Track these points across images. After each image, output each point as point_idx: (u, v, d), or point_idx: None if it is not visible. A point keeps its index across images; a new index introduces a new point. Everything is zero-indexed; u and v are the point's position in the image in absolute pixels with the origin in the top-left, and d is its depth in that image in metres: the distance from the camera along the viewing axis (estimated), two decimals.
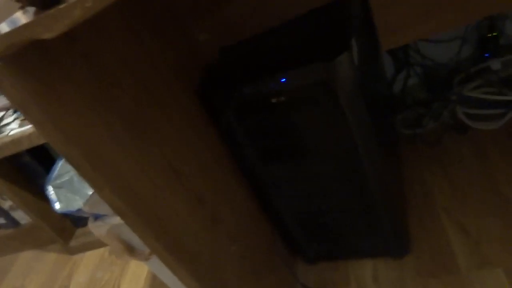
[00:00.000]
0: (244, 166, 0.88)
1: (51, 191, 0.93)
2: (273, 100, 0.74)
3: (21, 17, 0.44)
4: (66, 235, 1.57)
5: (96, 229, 0.80)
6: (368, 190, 0.83)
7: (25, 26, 0.40)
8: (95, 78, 0.56)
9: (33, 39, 0.40)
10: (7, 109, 1.24)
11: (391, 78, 1.20)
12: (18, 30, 0.40)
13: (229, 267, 0.77)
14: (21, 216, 1.63)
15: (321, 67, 0.68)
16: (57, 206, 0.91)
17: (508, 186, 0.95)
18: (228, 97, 0.77)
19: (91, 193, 0.79)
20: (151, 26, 0.72)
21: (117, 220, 0.77)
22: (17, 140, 1.09)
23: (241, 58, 0.83)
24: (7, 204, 1.59)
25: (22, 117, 1.15)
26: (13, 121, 1.17)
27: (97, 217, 0.81)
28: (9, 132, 1.12)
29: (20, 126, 1.12)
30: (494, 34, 1.09)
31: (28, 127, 1.09)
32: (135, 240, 0.80)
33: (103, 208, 0.75)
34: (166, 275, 0.85)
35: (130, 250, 0.82)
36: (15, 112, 1.20)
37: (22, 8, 0.47)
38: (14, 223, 1.66)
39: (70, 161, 0.50)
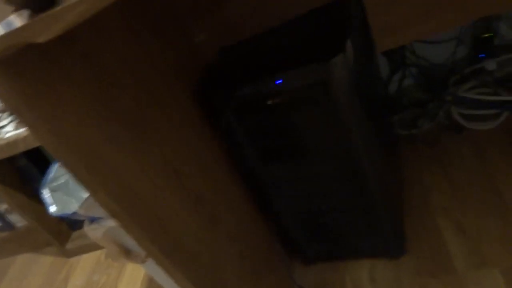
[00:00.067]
0: (243, 166, 0.88)
1: (46, 194, 0.92)
2: (271, 101, 0.75)
3: (16, 20, 0.44)
4: (63, 237, 1.56)
5: (92, 232, 0.80)
6: (367, 190, 0.83)
7: (18, 30, 0.40)
8: (95, 78, 0.56)
9: (27, 43, 0.40)
10: (2, 111, 1.24)
11: (386, 79, 1.20)
12: (11, 34, 0.40)
13: (229, 267, 0.77)
14: (17, 219, 1.62)
15: (317, 68, 0.68)
16: (52, 209, 0.90)
17: (507, 186, 0.95)
18: (227, 97, 0.77)
19: (86, 196, 0.79)
20: (151, 26, 0.72)
21: (113, 222, 0.77)
22: (12, 142, 1.09)
23: (241, 58, 0.83)
24: (2, 207, 1.58)
25: (18, 120, 1.14)
26: (8, 123, 1.16)
27: (93, 220, 0.81)
28: (5, 135, 1.11)
29: (16, 128, 1.12)
30: (489, 34, 1.09)
31: (24, 129, 1.08)
32: (131, 242, 0.79)
33: (99, 211, 0.75)
34: (162, 277, 0.85)
35: (126, 253, 0.81)
36: (11, 114, 1.20)
37: (15, 11, 0.47)
38: (9, 226, 1.65)
39: (64, 164, 0.50)
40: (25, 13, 0.44)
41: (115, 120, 0.57)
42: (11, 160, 1.35)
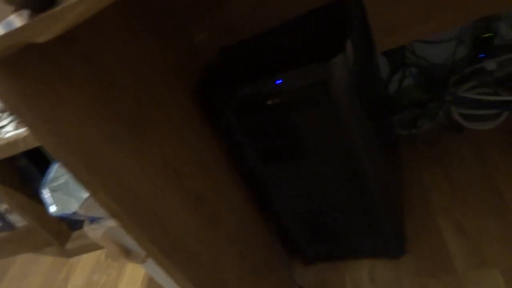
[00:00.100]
0: (243, 166, 0.88)
1: (46, 194, 0.92)
2: (271, 101, 0.75)
3: (16, 20, 0.44)
4: (63, 237, 1.56)
5: (92, 232, 0.80)
6: (367, 190, 0.83)
7: (18, 30, 0.40)
8: (95, 78, 0.56)
9: (27, 43, 0.40)
10: (2, 111, 1.24)
11: (387, 79, 1.20)
12: (11, 34, 0.40)
13: (229, 267, 0.77)
14: (17, 219, 1.62)
15: (317, 68, 0.68)
16: (52, 209, 0.90)
17: (507, 186, 0.95)
18: (227, 97, 0.77)
19: (86, 196, 0.79)
20: (151, 26, 0.72)
21: (112, 223, 0.77)
22: (12, 142, 1.09)
23: (241, 58, 0.84)
24: (2, 207, 1.58)
25: (18, 120, 1.14)
26: (8, 123, 1.16)
27: (93, 220, 0.81)
28: (5, 135, 1.11)
29: (16, 128, 1.12)
30: (489, 34, 1.09)
31: (24, 129, 1.08)
32: (131, 242, 0.79)
33: (99, 211, 0.75)
34: (162, 277, 0.85)
35: (127, 253, 0.81)
36: (11, 114, 1.20)
37: (15, 11, 0.47)
38: (9, 226, 1.65)
39: (64, 164, 0.50)
40: (25, 13, 0.44)
41: (115, 120, 0.57)
42: (11, 160, 1.35)
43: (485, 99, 1.09)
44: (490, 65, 1.11)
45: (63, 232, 1.57)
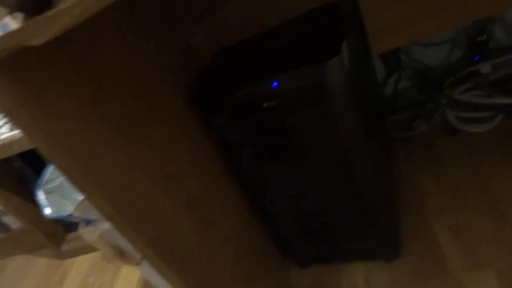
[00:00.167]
0: (238, 168, 0.88)
1: (41, 196, 0.92)
2: (267, 104, 0.75)
3: (11, 22, 0.43)
4: (58, 239, 1.55)
5: (87, 234, 0.80)
6: (362, 192, 0.83)
7: (13, 32, 0.39)
8: (89, 81, 0.56)
9: (21, 46, 0.40)
10: None
11: (382, 81, 1.21)
12: (7, 36, 0.40)
13: (223, 269, 0.77)
14: (12, 221, 1.62)
15: (313, 70, 0.68)
16: (47, 211, 0.90)
17: (502, 188, 0.95)
18: (223, 100, 0.77)
19: (81, 198, 0.78)
20: (146, 29, 0.72)
21: (107, 225, 0.76)
22: (7, 144, 1.08)
23: (237, 60, 0.84)
24: None
25: (12, 122, 1.14)
26: (3, 125, 1.15)
27: (88, 222, 0.80)
28: None
29: (11, 130, 1.11)
30: (484, 37, 1.10)
31: (19, 131, 1.08)
32: (126, 245, 0.79)
33: (94, 213, 0.74)
34: (157, 280, 0.85)
35: (121, 255, 0.81)
36: (5, 116, 1.19)
37: (10, 13, 0.46)
38: (4, 228, 1.64)
39: (58, 166, 0.50)
40: (20, 15, 0.44)
41: (109, 123, 0.57)
42: (6, 161, 1.34)
43: (480, 101, 1.10)
44: (485, 68, 1.11)
45: (58, 234, 1.56)
